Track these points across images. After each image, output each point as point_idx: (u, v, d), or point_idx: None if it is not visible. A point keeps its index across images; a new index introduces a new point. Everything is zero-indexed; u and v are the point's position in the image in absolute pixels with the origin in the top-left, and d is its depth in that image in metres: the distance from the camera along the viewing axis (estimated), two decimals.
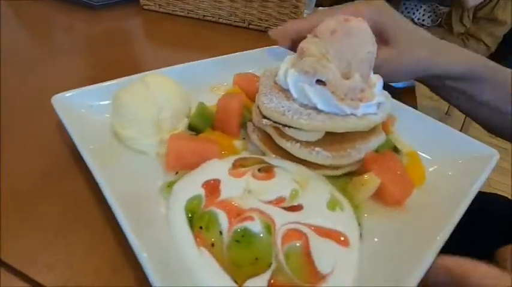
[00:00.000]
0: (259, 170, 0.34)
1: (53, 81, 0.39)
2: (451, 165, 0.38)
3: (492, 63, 0.49)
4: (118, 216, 0.27)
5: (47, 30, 0.70)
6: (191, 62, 0.47)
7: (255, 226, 0.28)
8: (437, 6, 1.30)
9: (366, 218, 0.32)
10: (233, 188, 0.31)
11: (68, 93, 0.38)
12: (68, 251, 0.29)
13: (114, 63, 0.43)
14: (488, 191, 0.59)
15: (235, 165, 0.34)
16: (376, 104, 0.35)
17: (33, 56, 0.58)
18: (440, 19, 1.37)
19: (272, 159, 0.36)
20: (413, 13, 1.27)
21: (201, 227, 0.28)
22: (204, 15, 0.76)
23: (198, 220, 0.29)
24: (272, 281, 0.25)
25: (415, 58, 0.44)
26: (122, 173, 0.33)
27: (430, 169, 0.39)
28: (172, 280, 0.24)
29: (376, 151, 0.36)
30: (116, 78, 0.41)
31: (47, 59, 0.58)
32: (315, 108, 0.34)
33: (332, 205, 0.31)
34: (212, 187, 0.31)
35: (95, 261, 0.28)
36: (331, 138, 0.35)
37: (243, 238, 0.27)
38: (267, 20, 0.74)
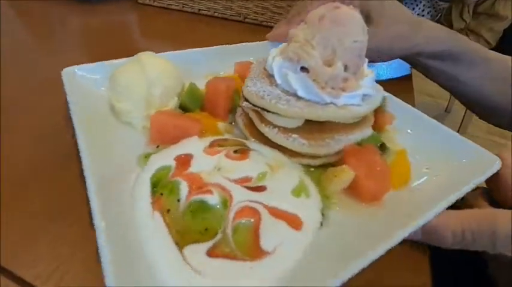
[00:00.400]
0: (235, 151, 0.34)
1: (49, 74, 0.41)
2: (444, 167, 0.35)
3: (473, 44, 0.49)
4: (88, 181, 0.28)
5: (41, 25, 0.69)
6: (188, 49, 0.47)
7: (212, 199, 0.28)
8: (437, 2, 1.23)
9: (334, 210, 0.31)
10: (204, 164, 0.32)
11: (76, 68, 0.42)
12: (54, 244, 0.28)
13: (109, 58, 0.44)
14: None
15: (213, 144, 0.35)
16: (360, 95, 0.34)
17: (30, 50, 0.59)
18: (440, 14, 1.31)
19: (252, 143, 0.36)
20: (413, 8, 1.21)
21: (161, 194, 0.29)
22: (200, 9, 0.75)
23: (161, 187, 0.30)
24: (211, 250, 0.25)
25: (395, 34, 0.46)
26: (105, 142, 0.34)
27: (423, 170, 0.36)
28: (120, 241, 0.25)
29: (359, 144, 0.35)
30: None
31: (43, 53, 0.59)
32: (296, 95, 0.34)
33: (297, 191, 0.31)
34: (183, 161, 0.32)
35: (82, 254, 0.28)
36: (311, 127, 0.34)
37: (198, 209, 0.28)
38: (263, 14, 0.72)
